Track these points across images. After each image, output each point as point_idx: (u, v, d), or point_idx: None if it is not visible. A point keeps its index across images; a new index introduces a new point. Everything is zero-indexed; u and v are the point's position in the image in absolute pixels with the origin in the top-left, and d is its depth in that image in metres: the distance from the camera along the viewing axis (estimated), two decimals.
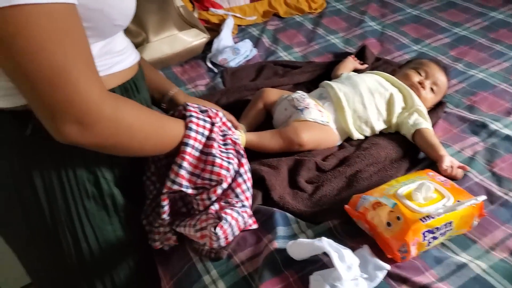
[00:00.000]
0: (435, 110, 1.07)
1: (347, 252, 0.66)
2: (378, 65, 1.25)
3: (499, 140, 0.96)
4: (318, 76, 1.21)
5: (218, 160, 0.70)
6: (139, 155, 0.68)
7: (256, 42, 1.43)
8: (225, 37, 1.40)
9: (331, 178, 0.87)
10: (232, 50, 1.33)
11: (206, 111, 0.74)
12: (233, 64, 1.31)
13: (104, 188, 0.69)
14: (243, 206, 0.73)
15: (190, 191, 0.71)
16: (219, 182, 0.71)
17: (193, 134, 0.69)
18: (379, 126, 1.00)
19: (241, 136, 0.86)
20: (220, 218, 0.69)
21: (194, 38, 1.31)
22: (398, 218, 0.69)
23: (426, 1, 1.63)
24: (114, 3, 0.57)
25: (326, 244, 0.66)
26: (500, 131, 0.98)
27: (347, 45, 1.40)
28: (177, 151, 0.68)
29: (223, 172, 0.70)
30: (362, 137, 0.99)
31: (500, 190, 0.84)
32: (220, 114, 0.76)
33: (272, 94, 1.05)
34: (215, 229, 0.68)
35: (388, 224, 0.69)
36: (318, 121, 0.94)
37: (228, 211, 0.70)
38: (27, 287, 1.60)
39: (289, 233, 0.77)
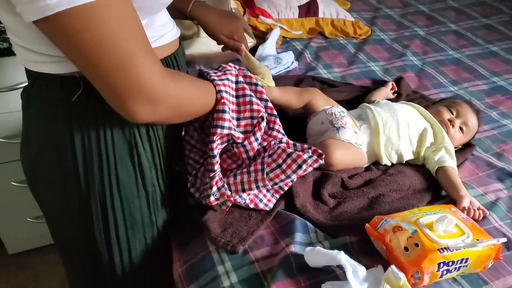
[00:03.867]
0: (463, 151, 1.09)
1: (361, 269, 0.68)
2: (415, 98, 1.27)
3: None
4: (354, 97, 1.24)
5: (254, 99, 0.76)
6: (193, 118, 0.74)
7: (298, 56, 1.48)
8: (270, 46, 1.44)
9: (353, 197, 0.90)
10: (275, 59, 1.38)
11: (219, 66, 0.79)
12: (273, 72, 1.35)
13: (135, 160, 0.71)
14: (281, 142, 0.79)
15: (237, 134, 0.74)
16: (261, 119, 0.75)
17: (220, 82, 0.73)
18: (408, 156, 1.02)
19: (263, 83, 0.92)
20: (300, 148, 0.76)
21: None
22: (417, 244, 0.71)
23: (468, 46, 1.66)
24: None
25: (344, 257, 0.69)
26: None
27: (386, 74, 1.43)
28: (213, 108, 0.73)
29: (261, 108, 0.76)
30: (389, 163, 1.02)
31: None
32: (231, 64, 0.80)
33: (321, 99, 1.07)
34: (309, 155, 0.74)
35: (406, 249, 0.71)
36: (352, 142, 0.97)
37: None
38: (33, 251, 1.64)
39: (306, 241, 0.80)
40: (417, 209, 0.81)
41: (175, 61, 0.74)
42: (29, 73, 0.66)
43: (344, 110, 1.05)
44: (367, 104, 1.08)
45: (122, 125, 0.67)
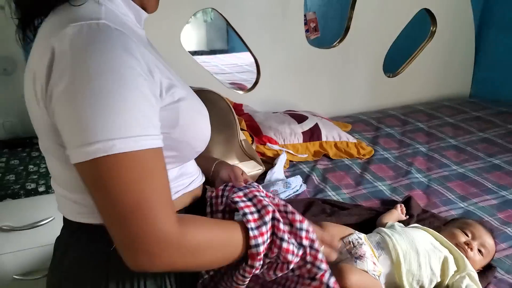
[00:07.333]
0: (484, 274, 1.05)
1: None
2: (425, 217, 1.27)
3: None
4: (365, 220, 1.25)
5: (284, 245, 0.67)
6: (211, 268, 0.72)
7: (306, 178, 1.53)
8: (278, 171, 1.51)
9: None
10: (284, 183, 1.43)
11: (253, 197, 0.72)
12: (282, 196, 1.39)
13: None
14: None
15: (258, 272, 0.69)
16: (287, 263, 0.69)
17: (257, 232, 0.66)
18: (430, 285, 0.98)
19: None
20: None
21: (251, 169, 1.44)
22: None
23: (471, 160, 1.71)
24: (196, 135, 0.68)
25: None
26: None
27: (394, 193, 1.45)
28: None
29: (289, 256, 0.68)
30: None
31: None
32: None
33: (333, 230, 1.04)
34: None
35: None
36: (370, 273, 0.94)
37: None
38: None
39: None
40: None
41: (201, 203, 0.79)
42: (69, 224, 0.70)
43: (362, 236, 1.04)
44: (385, 230, 1.07)
45: (155, 274, 0.69)
